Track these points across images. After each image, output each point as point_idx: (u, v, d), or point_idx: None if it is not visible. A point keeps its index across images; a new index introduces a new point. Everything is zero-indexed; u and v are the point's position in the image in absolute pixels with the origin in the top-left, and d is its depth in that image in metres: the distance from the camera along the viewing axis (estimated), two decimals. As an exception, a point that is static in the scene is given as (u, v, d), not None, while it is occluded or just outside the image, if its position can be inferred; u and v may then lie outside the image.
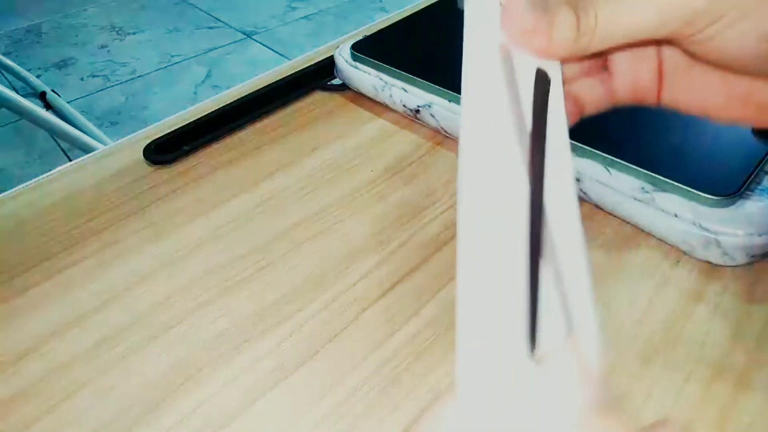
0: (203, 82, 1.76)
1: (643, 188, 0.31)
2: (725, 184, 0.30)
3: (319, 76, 0.47)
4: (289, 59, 0.52)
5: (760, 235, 0.29)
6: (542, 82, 0.20)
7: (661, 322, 0.28)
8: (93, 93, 1.73)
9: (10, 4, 2.26)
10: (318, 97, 0.46)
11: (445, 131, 0.40)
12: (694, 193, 0.30)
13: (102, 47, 1.96)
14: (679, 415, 0.25)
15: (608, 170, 0.32)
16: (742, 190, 0.30)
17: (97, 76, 1.81)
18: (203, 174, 0.40)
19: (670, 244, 0.31)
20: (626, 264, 0.31)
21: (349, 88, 0.45)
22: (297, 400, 0.26)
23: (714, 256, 0.30)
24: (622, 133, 0.35)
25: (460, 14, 0.46)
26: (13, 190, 0.40)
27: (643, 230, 0.32)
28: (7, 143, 1.54)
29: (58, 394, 0.27)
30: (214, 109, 0.44)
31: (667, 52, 0.23)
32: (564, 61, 0.22)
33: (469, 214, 0.17)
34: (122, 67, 1.84)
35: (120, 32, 2.05)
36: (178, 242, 0.34)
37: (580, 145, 0.33)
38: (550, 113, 0.19)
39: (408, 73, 0.41)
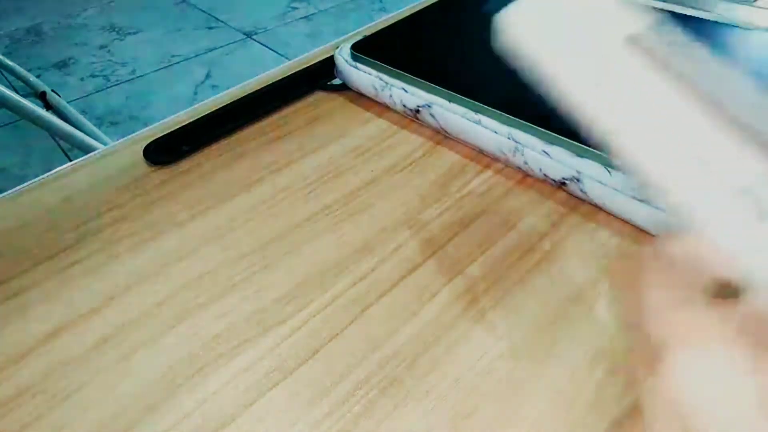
0: (203, 82, 1.76)
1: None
2: (725, 184, 0.30)
3: (319, 76, 0.47)
4: (289, 59, 0.52)
5: (759, 235, 0.29)
6: None
7: (660, 322, 0.28)
8: (93, 93, 1.73)
9: (10, 3, 2.26)
10: (318, 97, 0.46)
11: (445, 131, 0.40)
12: (694, 193, 0.30)
13: (102, 47, 1.97)
14: (678, 415, 0.25)
15: (608, 170, 0.32)
16: (742, 190, 0.30)
17: (97, 76, 1.81)
18: (203, 174, 0.40)
19: (669, 244, 0.31)
20: (626, 263, 0.31)
21: (349, 88, 0.45)
22: (297, 400, 0.26)
23: (714, 256, 0.30)
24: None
25: (459, 14, 0.46)
26: (13, 190, 0.40)
27: (643, 230, 0.32)
28: (7, 143, 1.54)
29: (58, 394, 0.27)
30: (214, 109, 0.44)
31: None
32: None
33: None
34: (122, 67, 1.85)
35: (120, 32, 2.05)
36: (178, 242, 0.34)
37: (579, 144, 0.33)
38: None
39: (408, 73, 0.41)
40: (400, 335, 0.28)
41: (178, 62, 1.86)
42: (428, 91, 0.40)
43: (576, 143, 0.34)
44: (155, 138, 0.42)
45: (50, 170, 0.41)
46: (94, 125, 1.45)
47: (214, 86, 1.73)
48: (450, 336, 0.28)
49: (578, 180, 0.33)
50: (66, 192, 0.39)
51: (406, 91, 0.41)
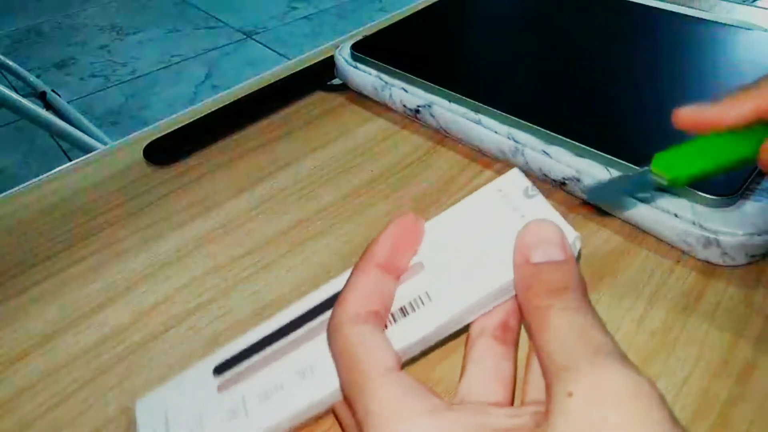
0: (203, 82, 1.76)
1: (643, 188, 0.31)
2: (725, 184, 0.30)
3: (319, 76, 0.47)
4: (289, 59, 0.52)
5: (759, 235, 0.29)
6: None
7: (660, 322, 0.28)
8: (93, 93, 1.73)
9: (10, 3, 2.26)
10: (318, 97, 0.46)
11: (445, 131, 0.40)
12: (694, 193, 0.30)
13: (102, 47, 1.97)
14: (678, 416, 0.24)
15: (608, 170, 0.32)
16: (742, 190, 0.30)
17: (97, 76, 1.81)
18: (203, 174, 0.40)
19: (670, 244, 0.31)
20: (626, 264, 0.31)
21: (349, 88, 0.45)
22: (297, 400, 0.26)
23: (714, 256, 0.30)
24: (622, 132, 0.35)
25: (459, 14, 0.46)
26: (13, 190, 0.40)
27: (642, 230, 0.32)
28: (7, 143, 1.54)
29: (58, 393, 0.27)
30: (214, 109, 0.44)
31: None
32: None
33: None
34: (122, 67, 1.85)
35: (120, 32, 2.05)
36: (178, 242, 0.34)
37: (580, 144, 0.33)
38: None
39: (408, 73, 0.41)
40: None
41: (178, 62, 1.86)
42: (428, 91, 0.40)
43: (576, 143, 0.34)
44: (155, 138, 0.42)
45: (50, 170, 0.41)
46: (94, 125, 1.45)
47: (214, 86, 1.73)
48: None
49: (578, 180, 0.33)
50: (66, 192, 0.39)
51: (406, 91, 0.41)
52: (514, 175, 0.23)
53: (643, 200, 0.31)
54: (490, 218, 0.22)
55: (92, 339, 0.30)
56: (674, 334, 0.27)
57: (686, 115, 0.24)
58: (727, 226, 0.29)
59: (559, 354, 0.17)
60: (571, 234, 0.21)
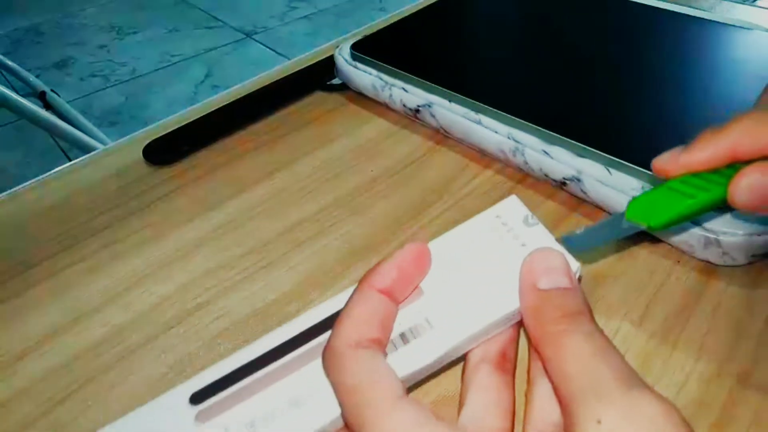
0: (203, 82, 1.76)
1: (643, 188, 0.31)
2: (725, 184, 0.30)
3: (319, 76, 0.47)
4: (289, 59, 0.52)
5: (760, 235, 0.29)
6: None
7: (660, 322, 0.28)
8: (93, 93, 1.73)
9: (10, 4, 2.26)
10: (318, 97, 0.46)
11: (445, 131, 0.40)
12: (694, 193, 0.30)
13: (102, 47, 1.96)
14: (679, 415, 0.25)
15: (608, 170, 0.32)
16: (742, 190, 0.30)
17: (97, 76, 1.81)
18: (203, 174, 0.40)
19: (670, 244, 0.31)
20: (626, 264, 0.31)
21: (349, 88, 0.45)
22: (297, 400, 0.26)
23: (714, 256, 0.30)
24: (622, 132, 0.35)
25: (459, 14, 0.46)
26: (13, 190, 0.40)
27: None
28: (7, 143, 1.54)
29: (58, 393, 0.27)
30: (214, 109, 0.44)
31: None
32: None
33: None
34: (122, 67, 1.84)
35: (120, 32, 2.05)
36: (178, 242, 0.34)
37: (580, 144, 0.33)
38: None
39: (408, 72, 0.41)
40: (400, 335, 0.28)
41: (177, 62, 1.86)
42: (428, 90, 0.40)
43: (576, 143, 0.34)
44: (155, 138, 0.42)
45: (50, 170, 0.41)
46: (94, 125, 1.44)
47: (214, 86, 1.73)
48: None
49: (579, 180, 0.33)
50: (66, 192, 0.39)
51: (406, 90, 0.41)
52: (513, 203, 0.23)
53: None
54: (490, 245, 0.22)
55: (92, 339, 0.29)
56: (674, 334, 0.27)
57: (661, 163, 0.23)
58: (727, 226, 0.29)
59: (582, 379, 0.17)
60: (574, 264, 0.21)
